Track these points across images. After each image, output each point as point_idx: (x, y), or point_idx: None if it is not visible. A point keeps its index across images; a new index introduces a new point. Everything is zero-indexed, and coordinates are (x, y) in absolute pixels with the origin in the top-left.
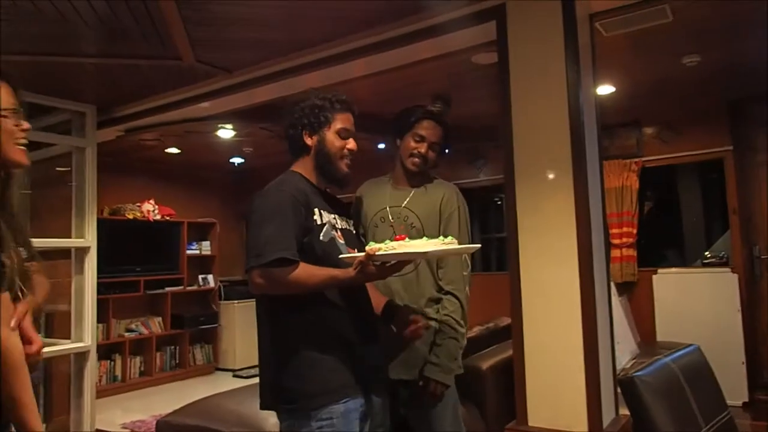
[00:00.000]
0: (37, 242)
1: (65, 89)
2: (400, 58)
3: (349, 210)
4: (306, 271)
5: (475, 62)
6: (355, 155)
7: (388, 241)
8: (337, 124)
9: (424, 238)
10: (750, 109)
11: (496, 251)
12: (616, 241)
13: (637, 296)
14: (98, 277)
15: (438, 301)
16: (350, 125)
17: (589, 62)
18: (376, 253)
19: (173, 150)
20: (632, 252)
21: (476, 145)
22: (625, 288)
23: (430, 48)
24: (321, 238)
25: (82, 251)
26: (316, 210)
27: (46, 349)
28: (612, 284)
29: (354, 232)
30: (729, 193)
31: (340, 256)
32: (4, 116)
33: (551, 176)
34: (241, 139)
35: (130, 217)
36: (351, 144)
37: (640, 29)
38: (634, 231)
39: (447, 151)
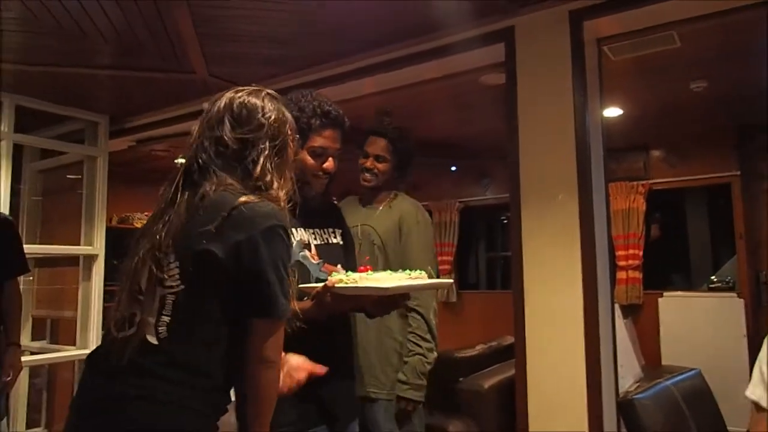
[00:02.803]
0: (46, 249)
1: (80, 99)
2: (409, 77)
3: (340, 219)
4: None
5: (483, 83)
6: (332, 174)
7: (350, 273)
8: (312, 141)
9: (388, 272)
10: (757, 136)
11: (502, 270)
12: (621, 263)
13: (643, 319)
14: (105, 285)
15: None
16: (330, 142)
17: (597, 85)
18: (335, 286)
19: (183, 161)
20: (638, 274)
21: (483, 163)
22: (630, 310)
23: (439, 68)
24: None
25: (90, 259)
26: None
27: (50, 356)
28: (617, 306)
29: (342, 242)
30: (736, 218)
31: (300, 285)
32: None
33: (557, 197)
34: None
35: (138, 225)
36: (327, 163)
37: (647, 54)
38: (640, 253)
39: (406, 164)
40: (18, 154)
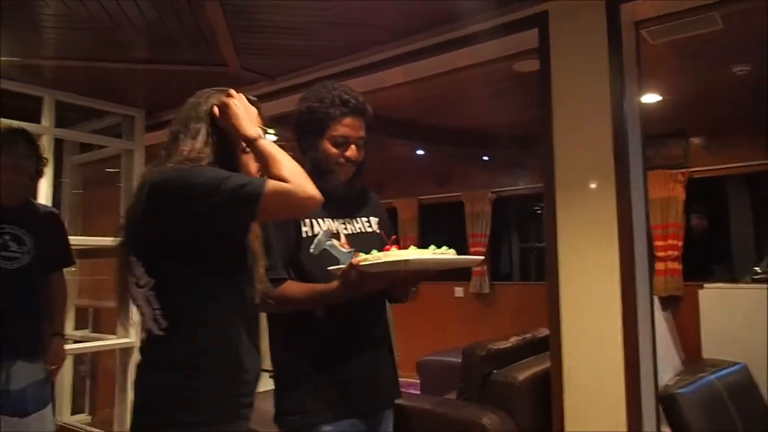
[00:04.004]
0: (88, 240)
1: (116, 94)
2: (439, 66)
3: (376, 206)
4: (290, 289)
5: (516, 70)
6: (358, 162)
7: (375, 251)
8: (333, 131)
9: (412, 247)
10: None
11: (536, 261)
12: (660, 254)
13: (682, 311)
14: None
15: None
16: (350, 131)
17: (634, 70)
18: (360, 264)
19: None
20: (677, 265)
21: (516, 152)
22: (669, 302)
23: (471, 56)
24: (311, 251)
25: None
26: (306, 221)
27: (92, 344)
28: (655, 298)
29: (378, 231)
30: None
31: (329, 267)
32: None
33: (593, 186)
34: (283, 144)
35: None
36: (349, 152)
37: (688, 37)
38: (680, 243)
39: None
40: (59, 149)
